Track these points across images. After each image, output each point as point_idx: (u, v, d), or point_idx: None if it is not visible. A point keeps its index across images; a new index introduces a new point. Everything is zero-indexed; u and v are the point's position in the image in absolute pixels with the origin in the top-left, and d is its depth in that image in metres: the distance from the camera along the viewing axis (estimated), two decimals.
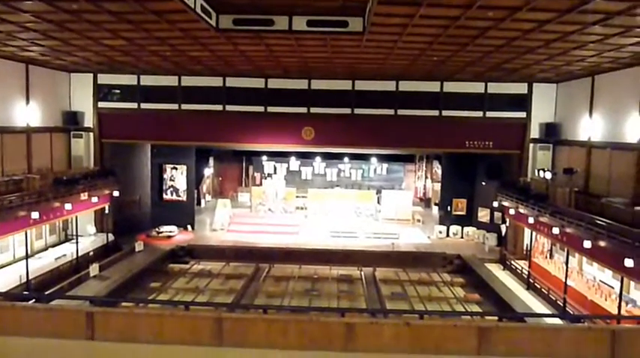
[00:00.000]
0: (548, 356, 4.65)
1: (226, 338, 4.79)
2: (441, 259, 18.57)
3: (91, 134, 19.23)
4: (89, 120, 19.21)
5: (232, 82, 19.17)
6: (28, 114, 16.54)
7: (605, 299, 12.73)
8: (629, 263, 10.43)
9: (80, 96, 19.11)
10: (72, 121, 18.81)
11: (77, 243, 16.50)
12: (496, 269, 17.53)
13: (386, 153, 28.07)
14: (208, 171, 29.50)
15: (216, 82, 19.15)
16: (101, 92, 19.39)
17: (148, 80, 19.23)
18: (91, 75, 19.08)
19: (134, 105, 19.39)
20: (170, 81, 19.18)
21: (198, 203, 26.58)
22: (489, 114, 18.96)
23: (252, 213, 24.29)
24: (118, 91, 19.61)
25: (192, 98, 19.30)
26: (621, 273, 11.20)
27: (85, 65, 17.26)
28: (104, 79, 19.25)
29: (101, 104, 19.35)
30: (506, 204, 17.41)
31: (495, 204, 18.49)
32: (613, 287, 12.95)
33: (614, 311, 11.63)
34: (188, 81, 19.19)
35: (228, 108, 19.35)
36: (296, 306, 13.14)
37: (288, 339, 4.78)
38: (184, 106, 19.36)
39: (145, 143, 21.53)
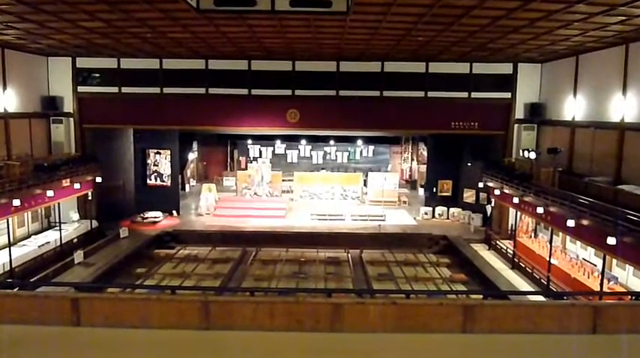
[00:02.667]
0: (531, 332, 4.76)
1: (213, 321, 4.81)
2: (427, 240, 18.76)
3: (71, 119, 18.94)
4: (69, 105, 18.90)
5: (215, 64, 18.96)
6: (5, 99, 16.20)
7: (588, 277, 13.02)
8: (611, 241, 10.65)
9: (59, 81, 18.77)
10: (51, 106, 18.48)
11: (60, 230, 16.35)
12: (481, 250, 17.78)
13: (372, 135, 28.13)
14: (192, 156, 29.29)
15: (198, 64, 18.92)
16: (80, 76, 19.05)
17: (128, 63, 18.92)
18: (70, 59, 18.72)
19: (115, 90, 19.11)
20: (151, 64, 18.90)
21: (183, 188, 26.42)
22: (474, 94, 19.04)
23: (237, 197, 24.24)
24: (97, 75, 19.28)
25: (175, 81, 19.07)
26: (604, 251, 11.44)
27: (63, 48, 16.91)
28: (83, 62, 18.90)
29: (81, 88, 19.03)
30: (491, 184, 17.59)
31: (481, 184, 18.68)
32: (596, 265, 13.24)
33: (597, 289, 11.91)
34: (170, 64, 18.92)
35: (212, 91, 19.17)
36: (283, 288, 13.22)
37: (275, 321, 4.82)
38: (166, 90, 19.13)
39: (127, 128, 21.27)
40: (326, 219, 21.07)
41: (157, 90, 19.11)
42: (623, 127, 13.82)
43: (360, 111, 19.28)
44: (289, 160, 31.70)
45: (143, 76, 19.06)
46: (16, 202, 13.52)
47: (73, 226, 17.74)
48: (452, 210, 21.67)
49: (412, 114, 19.42)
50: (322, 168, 29.76)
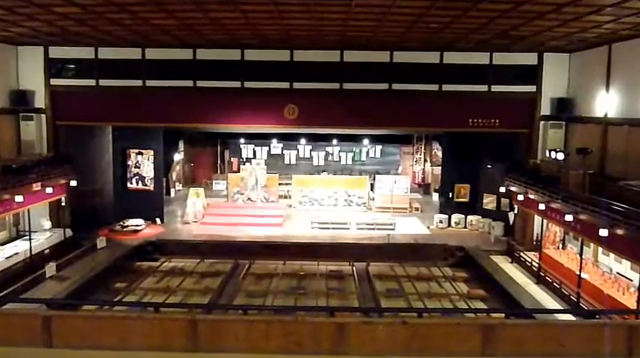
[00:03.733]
0: (559, 356, 4.75)
1: (202, 342, 4.82)
2: (441, 251, 18.73)
3: (43, 116, 18.96)
4: (40, 100, 18.93)
5: (204, 54, 18.99)
6: None
7: (623, 293, 12.98)
8: None
9: (29, 73, 18.80)
10: (21, 101, 18.49)
11: (30, 239, 16.35)
12: (503, 262, 17.76)
13: (380, 133, 28.12)
14: (178, 157, 29.33)
15: (185, 54, 18.95)
16: (53, 68, 19.08)
17: (107, 53, 18.95)
18: (42, 48, 18.75)
19: (92, 82, 19.13)
20: (133, 54, 18.92)
21: (168, 192, 26.43)
22: (495, 88, 19.04)
23: (229, 202, 24.24)
24: (72, 66, 19.31)
25: (159, 73, 19.09)
26: None
27: (34, 37, 16.95)
28: (57, 52, 18.94)
29: (54, 81, 19.07)
30: (513, 189, 17.58)
31: (502, 189, 18.66)
32: (632, 280, 13.20)
33: (633, 307, 11.87)
34: (153, 53, 18.96)
35: (200, 84, 19.19)
36: (280, 306, 13.19)
37: (271, 342, 4.82)
38: (149, 82, 19.15)
39: (106, 125, 21.31)
40: (328, 228, 21.07)
41: (139, 83, 19.14)
42: None
43: (367, 107, 19.28)
44: (287, 161, 31.73)
45: (124, 67, 19.09)
46: None
47: (44, 235, 17.73)
48: (470, 217, 21.65)
49: (425, 110, 19.43)
50: (323, 171, 29.80)
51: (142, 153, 22.28)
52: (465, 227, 21.63)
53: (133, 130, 21.44)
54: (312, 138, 30.46)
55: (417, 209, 24.47)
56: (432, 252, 18.73)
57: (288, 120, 19.58)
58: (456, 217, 21.76)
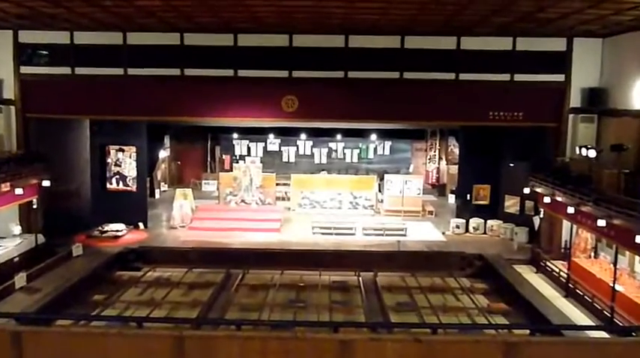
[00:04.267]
0: None
1: None
2: (458, 260, 18.72)
3: (12, 108, 18.99)
4: (9, 91, 18.95)
5: (192, 39, 19.00)
6: None
7: None
8: None
9: None
10: None
11: None
12: (527, 272, 17.74)
13: (389, 128, 28.13)
14: (164, 154, 29.37)
15: (171, 39, 18.97)
16: (24, 54, 19.10)
17: (84, 38, 18.97)
18: (10, 32, 18.77)
19: (67, 71, 19.16)
20: (113, 39, 18.94)
21: (152, 194, 26.44)
22: (518, 77, 19.02)
23: (220, 205, 24.25)
24: (45, 53, 19.34)
25: (142, 60, 19.10)
26: None
27: (2, 19, 16.96)
28: (27, 36, 18.96)
29: (24, 69, 19.09)
30: (539, 190, 17.56)
31: (526, 190, 18.64)
32: None
33: None
34: (136, 38, 18.97)
35: (188, 72, 19.20)
36: (277, 321, 13.17)
37: None
38: (132, 71, 19.17)
39: (83, 118, 21.32)
40: (331, 234, 21.08)
41: (119, 71, 19.15)
42: None
43: (375, 98, 19.28)
44: (285, 159, 31.77)
45: (103, 53, 19.10)
46: None
47: (13, 242, 17.72)
48: (490, 222, 21.64)
49: (440, 102, 19.41)
50: (322, 170, 29.83)
51: (123, 150, 22.31)
52: (485, 233, 21.62)
53: (114, 124, 21.46)
54: (314, 133, 30.51)
55: (430, 213, 24.46)
56: (447, 261, 18.71)
57: (286, 113, 19.59)
58: (474, 222, 21.75)
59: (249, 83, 19.23)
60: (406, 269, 18.03)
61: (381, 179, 26.32)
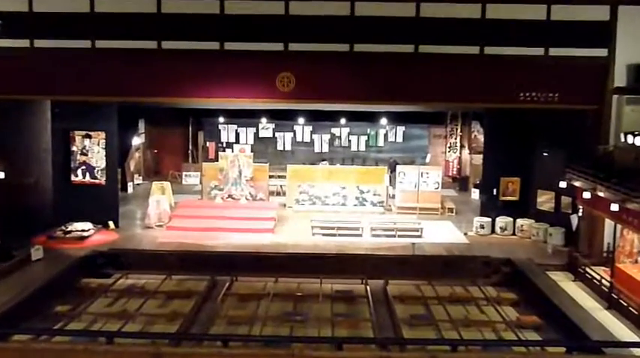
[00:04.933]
0: None
1: None
2: (482, 266, 18.73)
3: None
4: None
5: (171, 5, 18.94)
6: None
7: None
8: None
9: None
10: None
11: None
12: (563, 280, 17.73)
13: (402, 110, 28.10)
14: (138, 141, 29.40)
15: (147, 6, 18.89)
16: None
17: (44, 5, 18.93)
18: None
19: (24, 43, 19.08)
20: (78, 5, 18.84)
21: (124, 188, 26.49)
22: (554, 51, 18.97)
23: (204, 201, 24.29)
24: None
25: (112, 32, 19.02)
26: None
27: None
28: None
29: None
30: (578, 184, 17.54)
31: (562, 184, 18.63)
32: None
33: None
34: (105, 5, 18.89)
35: (166, 45, 19.16)
36: (271, 336, 13.25)
37: None
38: (100, 43, 19.11)
39: (43, 99, 21.30)
40: (334, 235, 21.13)
41: (86, 44, 19.09)
42: None
43: (385, 76, 19.24)
44: (280, 147, 31.83)
45: (67, 23, 18.98)
46: None
47: None
48: (520, 221, 21.66)
49: (462, 80, 19.34)
50: (323, 160, 29.86)
51: (90, 137, 22.29)
52: (514, 233, 21.64)
53: (79, 106, 21.39)
54: (313, 117, 30.51)
55: (450, 210, 24.49)
56: (470, 267, 18.72)
57: (281, 93, 19.54)
58: (501, 221, 21.76)
59: (237, 58, 19.18)
60: (422, 277, 18.04)
61: (393, 170, 26.31)
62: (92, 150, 22.32)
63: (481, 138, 27.51)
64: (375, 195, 24.78)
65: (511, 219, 21.73)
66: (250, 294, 16.80)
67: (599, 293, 16.73)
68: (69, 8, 18.94)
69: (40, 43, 19.11)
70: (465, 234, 21.73)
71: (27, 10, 18.95)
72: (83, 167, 22.36)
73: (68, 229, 20.45)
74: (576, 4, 18.40)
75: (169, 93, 20.28)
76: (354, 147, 31.96)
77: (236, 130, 31.81)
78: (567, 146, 19.57)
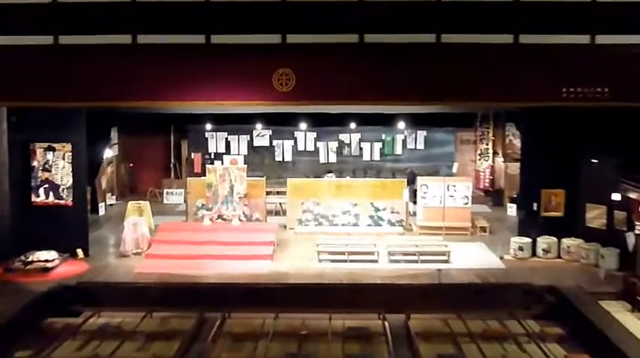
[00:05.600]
0: None
1: None
2: (522, 295, 18.69)
3: None
4: None
5: None
6: None
7: None
8: None
9: None
10: None
11: None
12: (619, 310, 17.65)
13: (423, 111, 28.05)
14: (110, 154, 29.43)
15: None
16: None
17: None
18: None
19: None
20: None
21: (95, 209, 26.51)
22: (602, 39, 19.01)
23: (189, 223, 24.31)
24: None
25: (79, 24, 19.16)
26: None
27: None
28: None
29: None
30: (634, 196, 17.52)
31: (616, 196, 18.59)
32: None
33: None
34: None
35: (143, 39, 19.24)
36: None
37: None
38: (65, 39, 19.21)
39: None
40: (345, 261, 21.10)
41: (48, 39, 19.21)
42: None
43: (402, 71, 19.29)
44: (279, 158, 31.85)
45: (25, 15, 19.17)
46: None
47: None
48: (565, 241, 21.59)
49: (493, 75, 19.39)
50: (330, 172, 29.85)
51: (54, 149, 22.34)
52: (559, 256, 21.58)
53: (41, 114, 21.47)
54: (318, 121, 30.44)
55: (483, 229, 24.45)
56: (507, 297, 18.69)
57: (279, 94, 19.58)
58: (543, 241, 21.69)
59: (227, 53, 19.26)
60: (450, 309, 18.01)
61: (411, 183, 26.29)
62: (56, 165, 22.35)
63: (517, 143, 27.48)
64: (392, 212, 24.76)
65: (555, 239, 21.67)
66: (246, 333, 16.76)
67: None
68: None
69: None
70: (501, 257, 21.67)
71: None
72: (46, 185, 22.38)
73: (29, 259, 20.43)
74: None
75: (147, 96, 20.32)
76: (366, 157, 31.96)
77: (226, 139, 31.87)
78: (620, 152, 19.54)
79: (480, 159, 31.54)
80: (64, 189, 22.34)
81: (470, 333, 16.60)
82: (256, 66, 19.34)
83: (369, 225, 24.70)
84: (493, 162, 31.02)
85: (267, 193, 25.63)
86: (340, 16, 19.19)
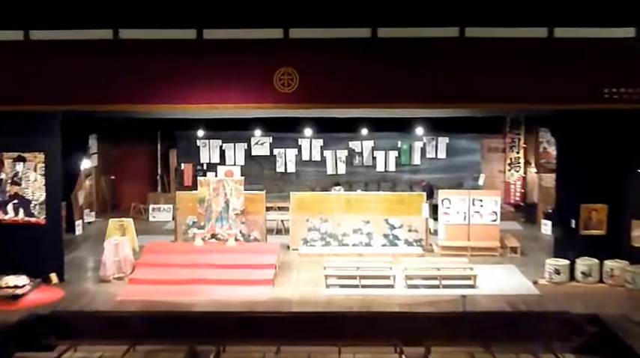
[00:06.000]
0: None
1: None
2: (559, 325, 18.61)
3: None
4: None
5: None
6: None
7: None
8: None
9: None
10: None
11: None
12: None
13: (445, 115, 28.02)
14: (89, 164, 29.46)
15: None
16: None
17: None
18: None
19: None
20: None
21: (71, 227, 26.51)
22: None
23: (179, 243, 24.29)
24: None
25: (53, 18, 19.24)
26: None
27: None
28: None
29: None
30: None
31: None
32: None
33: None
34: None
35: (126, 34, 19.34)
36: None
37: None
38: (36, 34, 19.31)
39: None
40: (356, 286, 21.04)
41: (17, 35, 19.29)
42: None
43: (420, 69, 19.32)
44: (280, 169, 31.82)
45: None
46: None
47: None
48: (608, 263, 21.49)
49: (524, 73, 19.42)
50: (338, 184, 29.81)
51: (24, 160, 22.34)
52: (601, 280, 21.47)
53: (9, 119, 21.51)
54: (325, 127, 30.41)
55: (514, 250, 24.38)
56: (542, 327, 18.60)
57: (281, 95, 19.66)
58: (583, 263, 21.58)
59: (221, 49, 19.31)
60: (476, 342, 17.96)
61: (434, 197, 26.25)
62: (27, 178, 22.34)
63: (553, 151, 27.42)
64: (410, 231, 24.73)
65: (596, 261, 21.56)
66: None
67: None
68: None
69: None
70: (535, 282, 21.58)
71: None
72: (15, 201, 22.38)
73: None
74: None
75: (130, 99, 20.42)
76: (380, 167, 31.93)
77: (220, 147, 31.90)
78: None
79: (509, 170, 31.52)
80: (35, 205, 22.32)
81: None
82: (255, 64, 19.41)
83: (384, 245, 24.67)
84: (525, 173, 30.97)
85: (268, 209, 25.61)
86: (349, 9, 19.23)
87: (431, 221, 25.60)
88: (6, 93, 19.63)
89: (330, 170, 31.85)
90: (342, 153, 31.97)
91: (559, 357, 17.25)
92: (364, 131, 31.04)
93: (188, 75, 19.53)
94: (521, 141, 31.01)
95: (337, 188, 29.09)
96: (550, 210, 26.21)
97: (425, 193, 26.59)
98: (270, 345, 17.78)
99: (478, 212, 24.51)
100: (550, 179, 26.92)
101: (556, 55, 19.10)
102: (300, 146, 31.77)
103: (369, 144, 31.86)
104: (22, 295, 20.25)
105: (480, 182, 29.75)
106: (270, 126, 30.39)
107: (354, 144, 31.90)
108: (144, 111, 23.63)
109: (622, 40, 18.95)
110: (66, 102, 20.52)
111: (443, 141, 31.80)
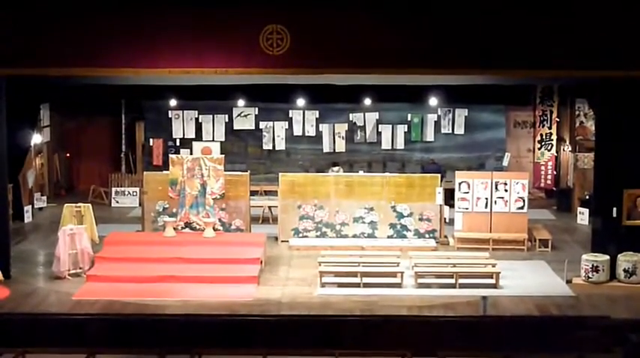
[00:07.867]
0: None
1: None
2: (597, 332, 18.68)
3: None
4: None
5: None
6: None
7: None
8: None
9: None
10: None
11: None
12: None
13: (463, 83, 27.97)
14: (40, 140, 29.44)
15: None
16: None
17: None
18: None
19: None
20: None
21: (19, 214, 26.52)
22: None
23: (146, 234, 24.30)
24: None
25: None
26: None
27: None
28: None
29: None
30: None
31: None
32: None
33: None
34: None
35: None
36: None
37: None
38: None
39: None
40: (357, 285, 21.11)
41: None
42: None
43: (434, 25, 19.32)
44: (267, 146, 31.82)
45: None
46: None
47: None
48: None
49: (557, 35, 19.42)
50: (336, 164, 29.82)
51: None
52: None
53: None
54: (320, 96, 30.37)
55: (544, 243, 24.43)
56: (577, 335, 18.67)
57: (268, 58, 19.65)
58: (626, 259, 21.61)
59: (197, 3, 19.28)
60: (499, 351, 18.02)
61: (450, 180, 26.26)
62: None
63: (591, 126, 27.46)
64: (421, 220, 24.78)
65: None
66: None
67: None
68: None
69: None
70: (569, 281, 21.62)
71: None
72: None
73: None
74: None
75: (89, 61, 20.39)
76: (386, 144, 31.88)
77: (197, 119, 31.85)
78: None
79: (540, 149, 31.52)
80: None
81: None
82: (238, 21, 19.37)
83: (390, 237, 24.74)
84: (558, 152, 30.99)
85: (252, 193, 25.64)
86: None
87: (446, 208, 25.58)
88: None
89: (326, 147, 31.81)
90: (341, 128, 31.92)
91: None
92: (367, 101, 31.02)
93: (158, 33, 19.47)
94: (554, 115, 31.02)
95: (335, 169, 29.04)
96: (587, 197, 26.26)
97: (442, 175, 26.60)
98: (255, 354, 17.84)
99: (502, 198, 24.51)
100: (588, 159, 26.98)
101: (593, 14, 19.07)
102: (291, 119, 31.72)
103: (373, 116, 31.81)
104: None
105: (505, 163, 29.93)
106: (256, 95, 30.33)
107: (356, 117, 31.88)
108: (103, 75, 23.44)
109: None
110: (11, 65, 20.46)
111: (461, 113, 31.70)
